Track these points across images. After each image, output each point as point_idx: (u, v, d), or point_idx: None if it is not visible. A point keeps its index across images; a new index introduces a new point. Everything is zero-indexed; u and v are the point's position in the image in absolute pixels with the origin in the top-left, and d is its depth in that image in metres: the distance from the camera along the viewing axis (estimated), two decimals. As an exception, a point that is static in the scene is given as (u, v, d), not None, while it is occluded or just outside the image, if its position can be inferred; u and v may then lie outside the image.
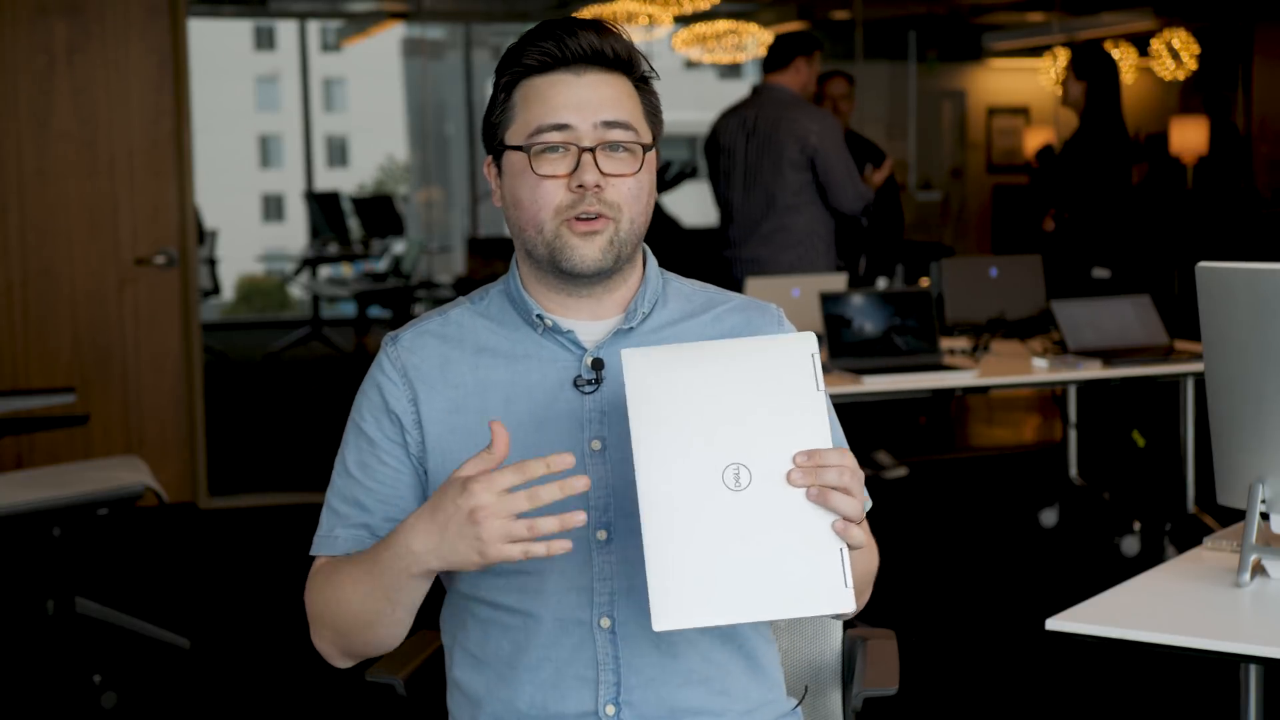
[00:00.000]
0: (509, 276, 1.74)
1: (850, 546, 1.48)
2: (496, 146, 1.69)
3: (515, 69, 1.67)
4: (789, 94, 5.32)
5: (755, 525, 1.47)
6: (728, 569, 1.46)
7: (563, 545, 1.46)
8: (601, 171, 1.63)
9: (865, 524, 1.68)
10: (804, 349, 1.52)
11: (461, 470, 1.48)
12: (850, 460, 1.49)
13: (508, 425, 1.64)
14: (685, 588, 1.45)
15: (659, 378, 1.49)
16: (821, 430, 1.49)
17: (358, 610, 1.63)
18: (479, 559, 1.47)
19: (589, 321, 1.70)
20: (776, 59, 5.38)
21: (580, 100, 1.64)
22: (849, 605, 1.47)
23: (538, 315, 1.68)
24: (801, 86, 5.38)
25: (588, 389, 1.67)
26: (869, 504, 1.60)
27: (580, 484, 1.45)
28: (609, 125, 1.64)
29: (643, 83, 1.70)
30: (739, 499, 1.47)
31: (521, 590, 1.66)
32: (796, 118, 5.23)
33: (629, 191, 1.65)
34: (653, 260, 1.76)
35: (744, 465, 1.48)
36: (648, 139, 1.68)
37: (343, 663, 1.72)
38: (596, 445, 1.65)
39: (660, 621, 1.45)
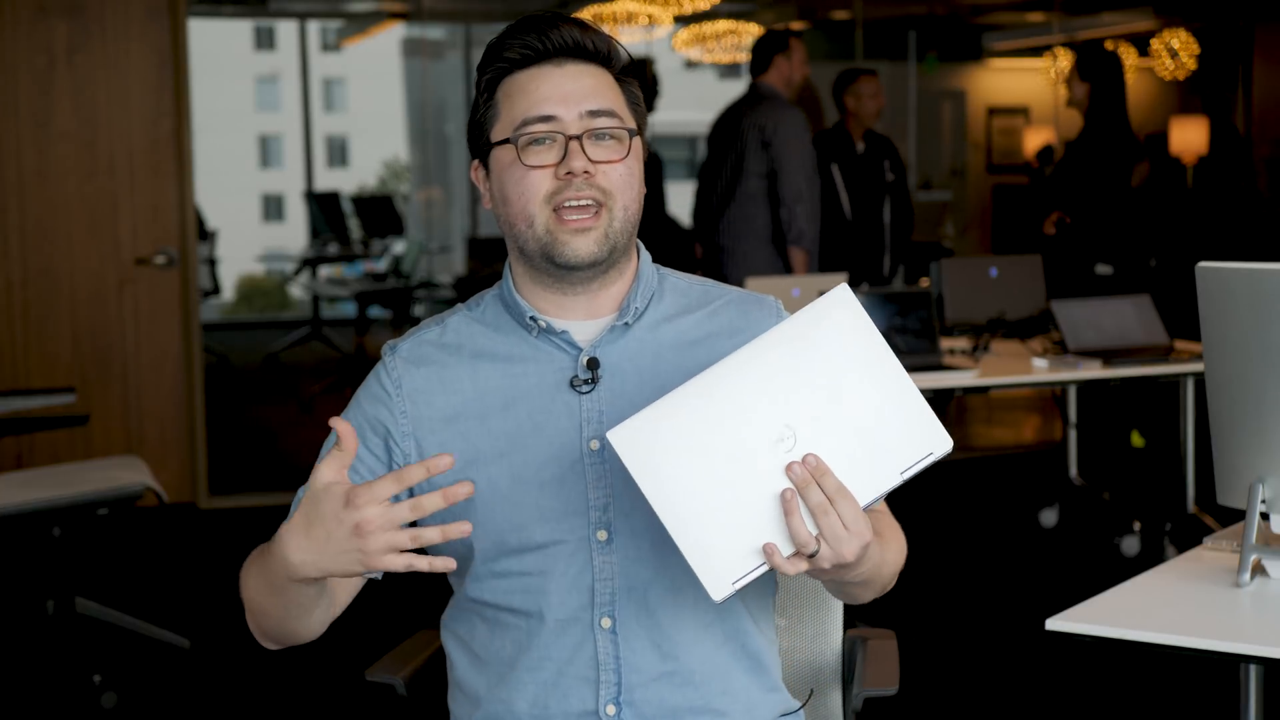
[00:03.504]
0: (503, 281, 1.73)
1: (786, 569, 1.47)
2: (483, 146, 1.68)
3: (498, 65, 1.66)
4: (768, 89, 5.67)
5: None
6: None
7: (446, 563, 1.45)
8: (590, 159, 1.62)
9: (887, 515, 1.67)
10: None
11: (323, 475, 1.45)
12: (847, 506, 1.45)
13: (507, 429, 1.65)
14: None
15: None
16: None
17: (261, 604, 1.62)
18: (360, 569, 1.46)
19: (584, 321, 1.69)
20: (757, 61, 5.77)
21: (564, 91, 1.63)
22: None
23: (531, 318, 1.67)
24: (785, 81, 5.72)
25: (584, 389, 1.66)
26: (856, 543, 1.48)
27: (464, 490, 1.43)
28: (594, 114, 1.63)
29: (623, 76, 1.70)
30: (779, 464, 1.46)
31: (525, 591, 1.65)
32: (762, 109, 5.59)
33: (619, 178, 1.64)
34: (646, 255, 1.74)
35: (792, 428, 1.46)
36: (633, 125, 1.67)
37: (267, 644, 1.71)
38: (595, 445, 1.65)
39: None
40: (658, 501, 1.46)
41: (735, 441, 1.46)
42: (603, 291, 1.69)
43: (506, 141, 1.64)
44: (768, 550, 1.45)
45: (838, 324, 1.47)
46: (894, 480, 1.49)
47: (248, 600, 1.66)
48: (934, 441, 1.48)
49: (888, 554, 1.63)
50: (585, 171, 1.61)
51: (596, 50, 1.66)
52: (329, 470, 1.45)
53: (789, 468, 1.46)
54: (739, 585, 1.47)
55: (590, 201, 1.62)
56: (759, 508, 1.46)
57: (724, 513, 1.46)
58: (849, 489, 1.47)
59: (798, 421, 1.46)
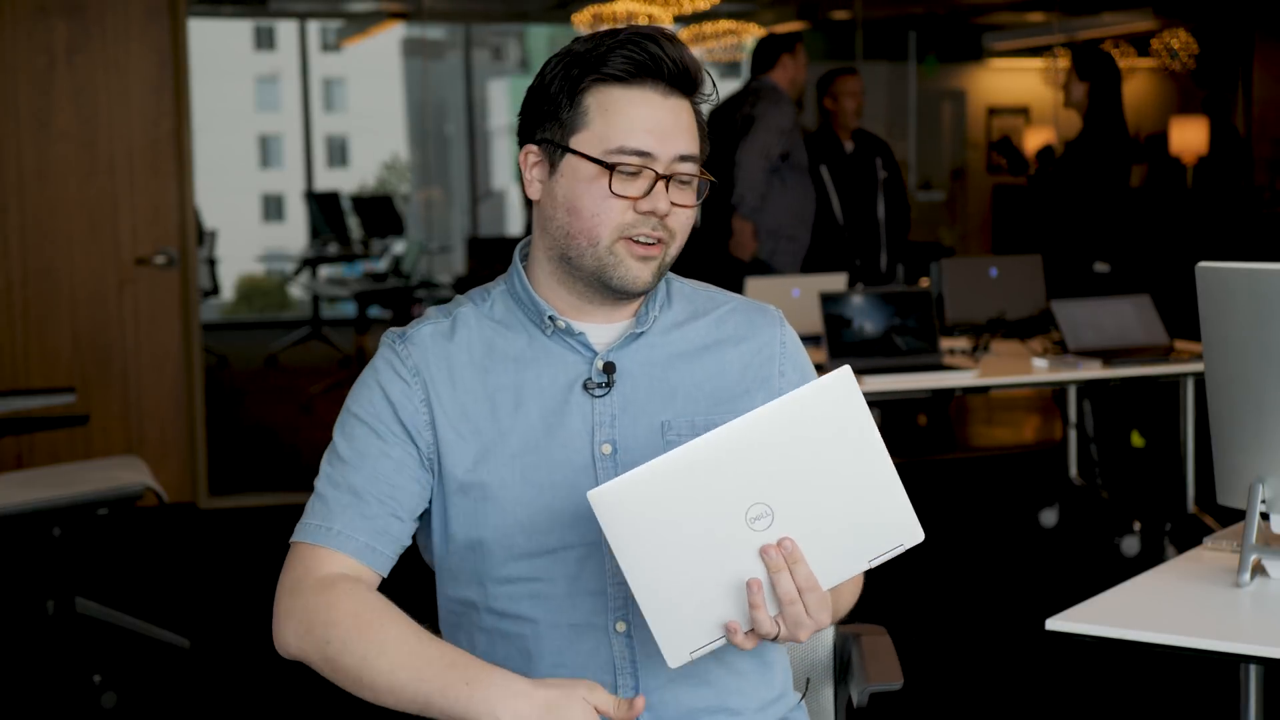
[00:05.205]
0: (511, 277, 1.71)
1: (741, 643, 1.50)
2: (558, 144, 1.64)
3: (601, 72, 1.62)
4: (767, 84, 5.70)
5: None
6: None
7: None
8: (670, 201, 1.63)
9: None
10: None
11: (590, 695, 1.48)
12: (814, 597, 1.48)
13: (518, 428, 1.64)
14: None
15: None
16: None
17: (379, 687, 1.54)
18: None
19: (601, 325, 1.69)
20: (764, 59, 5.77)
21: (665, 127, 1.62)
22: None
23: (550, 317, 1.67)
24: (790, 81, 5.74)
25: (598, 392, 1.66)
26: (810, 628, 1.51)
27: (639, 704, 1.49)
28: (684, 159, 1.64)
29: (699, 104, 1.69)
30: (755, 539, 1.47)
31: (534, 597, 1.64)
32: (755, 105, 5.62)
33: (684, 222, 1.66)
34: None
35: (771, 508, 1.46)
36: (707, 177, 1.68)
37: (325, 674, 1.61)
38: (607, 449, 1.64)
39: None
40: (628, 565, 1.46)
41: (713, 515, 1.46)
42: (623, 300, 1.70)
43: (600, 162, 1.61)
44: (730, 628, 1.48)
45: (835, 408, 1.46)
46: (861, 567, 1.51)
47: (321, 640, 1.56)
48: (906, 533, 1.50)
49: (840, 603, 1.69)
50: (665, 214, 1.63)
51: (696, 81, 1.65)
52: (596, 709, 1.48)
53: (764, 550, 1.47)
54: (696, 655, 1.49)
55: (657, 241, 1.64)
56: (727, 583, 1.48)
57: (692, 584, 1.47)
58: (816, 572, 1.48)
59: (778, 502, 1.46)
